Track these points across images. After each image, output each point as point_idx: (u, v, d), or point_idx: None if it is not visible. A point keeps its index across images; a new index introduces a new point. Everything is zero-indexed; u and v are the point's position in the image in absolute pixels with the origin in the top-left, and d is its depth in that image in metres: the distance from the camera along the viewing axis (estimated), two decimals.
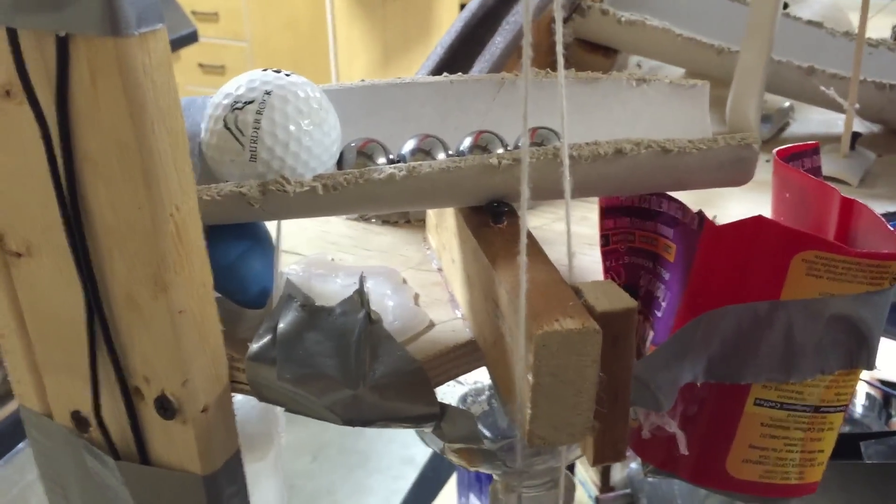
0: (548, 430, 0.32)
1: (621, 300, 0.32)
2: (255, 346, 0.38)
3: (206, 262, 0.35)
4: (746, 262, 0.39)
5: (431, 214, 0.49)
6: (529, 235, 0.39)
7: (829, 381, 0.40)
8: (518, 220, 0.40)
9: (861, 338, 0.39)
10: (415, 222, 0.53)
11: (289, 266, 0.47)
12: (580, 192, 0.40)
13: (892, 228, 0.40)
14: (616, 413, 0.33)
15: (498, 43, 0.63)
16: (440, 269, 0.47)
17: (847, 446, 0.57)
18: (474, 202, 0.39)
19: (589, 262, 0.48)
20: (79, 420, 0.39)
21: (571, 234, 0.50)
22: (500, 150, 0.40)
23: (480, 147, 0.40)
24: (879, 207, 0.58)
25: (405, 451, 1.73)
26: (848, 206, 0.43)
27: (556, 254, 0.51)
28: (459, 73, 0.43)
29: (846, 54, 0.66)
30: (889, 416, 0.80)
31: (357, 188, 0.37)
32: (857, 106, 0.60)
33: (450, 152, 0.40)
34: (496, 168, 0.37)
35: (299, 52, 2.26)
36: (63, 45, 0.30)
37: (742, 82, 0.65)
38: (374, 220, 0.53)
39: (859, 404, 0.89)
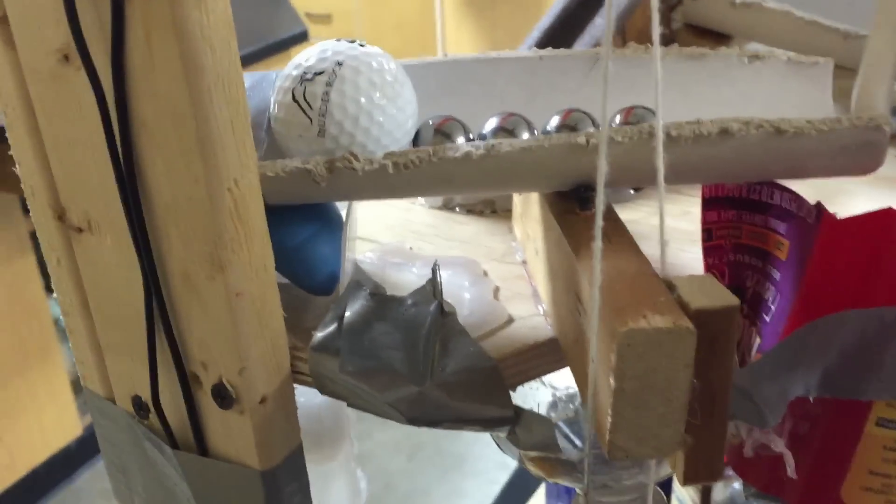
0: (631, 442, 0.28)
1: (722, 297, 0.28)
2: (319, 335, 0.35)
3: (268, 242, 0.33)
4: (873, 261, 0.34)
5: (517, 203, 0.45)
6: (619, 223, 0.35)
7: None
8: (608, 206, 0.36)
9: None
10: (501, 212, 0.49)
11: (364, 253, 0.44)
12: (679, 177, 0.36)
13: None
14: (712, 427, 0.29)
15: (599, 24, 0.59)
16: (524, 262, 0.44)
17: None
18: (560, 186, 0.36)
19: (689, 260, 0.44)
20: (139, 405, 0.37)
21: (667, 227, 0.46)
22: (590, 131, 0.36)
23: (569, 126, 0.36)
24: None
25: (501, 455, 1.70)
26: None
27: (651, 249, 0.47)
28: (549, 49, 0.40)
29: None
30: None
31: (430, 167, 0.34)
32: None
33: (535, 132, 0.37)
34: (584, 148, 0.33)
35: (409, 54, 2.26)
36: (118, 2, 0.28)
37: (870, 69, 0.59)
38: (458, 210, 0.50)
39: None
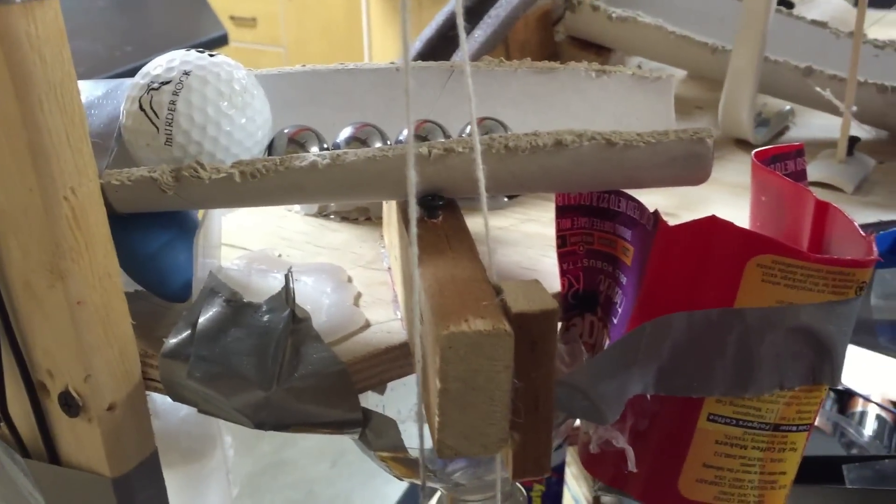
0: (458, 440, 0.29)
1: (541, 301, 0.29)
2: (170, 342, 0.36)
3: (111, 250, 0.33)
4: (700, 266, 0.36)
5: (385, 211, 0.46)
6: (464, 230, 0.36)
7: (790, 398, 0.37)
8: (455, 215, 0.37)
9: (824, 351, 0.36)
10: (375, 220, 0.50)
11: (231, 261, 0.45)
12: (521, 186, 0.37)
13: (864, 234, 0.37)
14: (537, 424, 0.30)
15: (477, 37, 0.61)
16: (389, 268, 0.45)
17: (828, 470, 0.53)
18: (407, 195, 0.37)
19: (550, 265, 0.46)
20: None
21: (535, 234, 0.48)
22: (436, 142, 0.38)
23: (421, 137, 0.38)
24: (872, 215, 0.54)
25: None
26: (822, 211, 0.40)
27: (519, 256, 0.48)
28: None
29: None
30: None
31: (278, 176, 0.34)
32: (855, 108, 0.57)
33: (388, 142, 0.38)
34: (426, 158, 0.34)
35: (335, 57, 2.25)
36: None
37: (734, 83, 0.62)
38: (332, 217, 0.51)
39: (869, 428, 0.84)
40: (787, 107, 0.67)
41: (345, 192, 0.36)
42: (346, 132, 0.38)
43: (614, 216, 0.41)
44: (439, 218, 0.36)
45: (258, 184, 0.35)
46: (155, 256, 0.37)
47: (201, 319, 0.36)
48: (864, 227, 0.53)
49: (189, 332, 0.36)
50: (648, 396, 0.37)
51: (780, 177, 0.43)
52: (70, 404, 0.34)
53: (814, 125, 0.68)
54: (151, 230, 0.37)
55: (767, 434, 0.37)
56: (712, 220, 0.35)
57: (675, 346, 0.36)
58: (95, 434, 0.34)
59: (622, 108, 0.41)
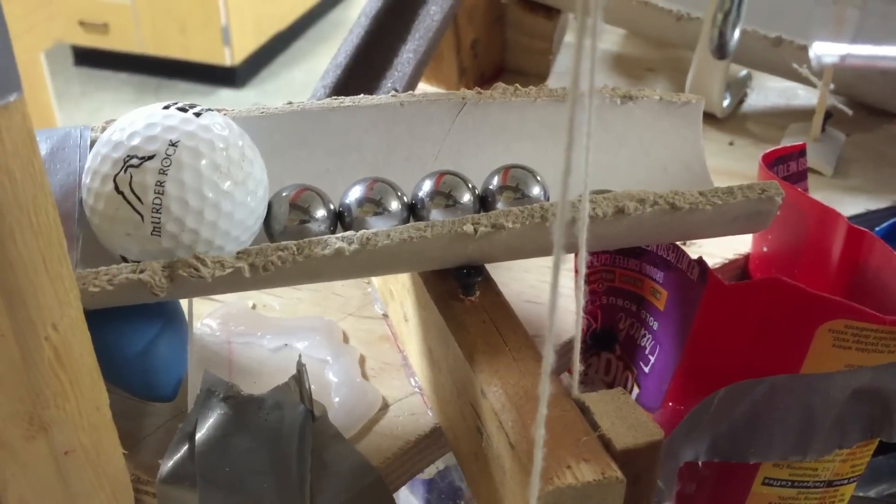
0: None
1: (645, 428, 0.25)
2: (168, 465, 0.30)
3: (98, 379, 0.27)
4: (763, 329, 0.33)
5: None
6: (506, 308, 0.32)
7: (846, 455, 0.35)
8: (491, 288, 0.32)
9: (886, 408, 0.34)
10: None
11: (201, 321, 0.38)
12: (567, 251, 0.33)
13: None
14: None
15: (434, 13, 0.54)
16: (386, 315, 0.40)
17: None
18: (440, 268, 0.32)
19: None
20: None
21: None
22: (468, 197, 0.32)
23: (443, 193, 0.32)
24: (859, 204, 0.53)
25: None
26: (857, 237, 0.38)
27: (517, 283, 0.43)
28: (410, 93, 0.35)
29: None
30: None
31: (295, 266, 0.28)
32: (832, 87, 0.55)
33: (405, 198, 0.32)
34: (472, 237, 0.29)
35: (195, 56, 2.08)
36: None
37: (707, 56, 0.59)
38: None
39: None
40: (744, 71, 0.65)
41: (370, 272, 0.31)
42: (355, 192, 0.32)
43: (641, 254, 0.37)
44: (476, 295, 0.31)
45: (269, 275, 0.29)
46: (141, 357, 0.30)
47: (200, 432, 0.30)
48: (853, 219, 0.51)
49: (187, 447, 0.30)
50: (700, 463, 0.35)
51: (803, 195, 0.40)
52: None
53: (770, 88, 0.65)
54: (135, 327, 0.30)
55: (821, 491, 0.35)
56: (777, 282, 0.32)
57: (734, 414, 0.33)
58: None
59: (648, 136, 0.37)
